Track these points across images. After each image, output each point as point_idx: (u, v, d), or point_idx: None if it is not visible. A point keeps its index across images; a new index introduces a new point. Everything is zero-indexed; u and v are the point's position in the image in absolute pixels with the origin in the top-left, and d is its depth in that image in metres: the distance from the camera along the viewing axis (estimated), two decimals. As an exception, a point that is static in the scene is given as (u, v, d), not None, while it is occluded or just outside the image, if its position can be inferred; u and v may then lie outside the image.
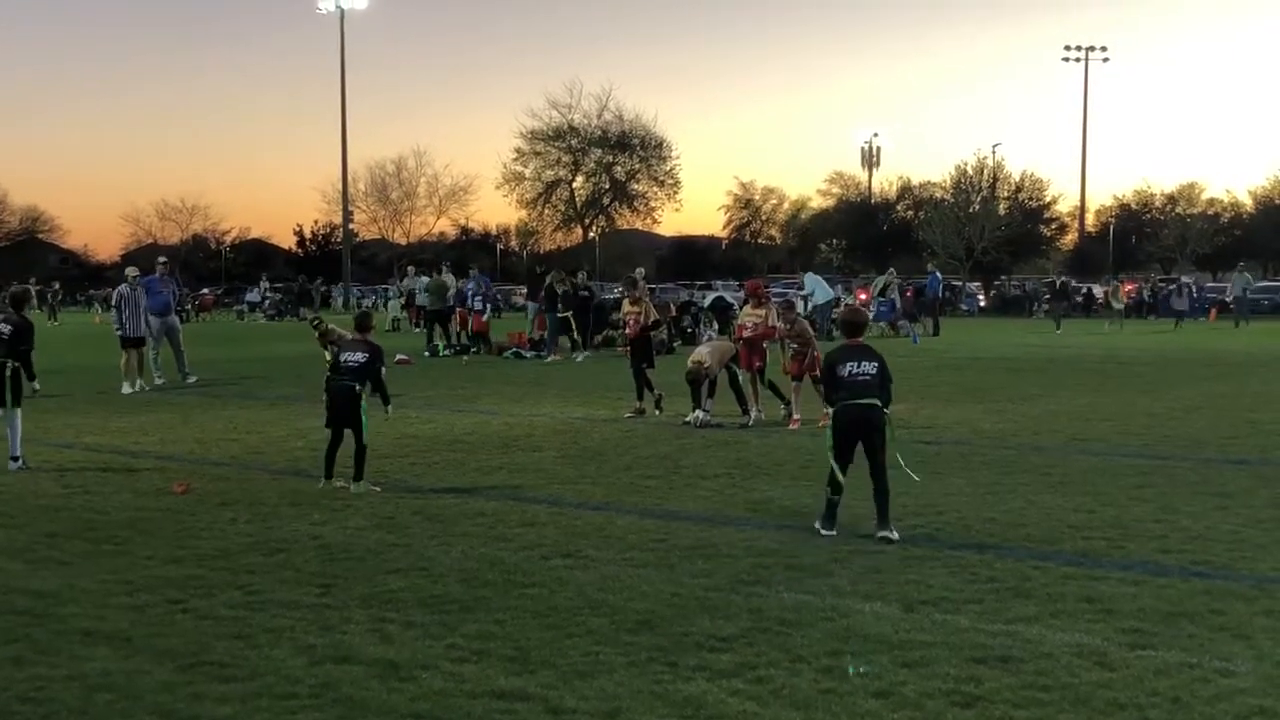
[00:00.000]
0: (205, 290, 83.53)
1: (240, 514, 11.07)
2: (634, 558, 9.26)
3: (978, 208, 77.12)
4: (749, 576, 8.68)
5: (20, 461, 13.64)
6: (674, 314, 37.20)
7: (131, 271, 24.32)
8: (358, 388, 12.23)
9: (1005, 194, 79.51)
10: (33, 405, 17.95)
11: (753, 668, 6.71)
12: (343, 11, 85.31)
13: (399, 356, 30.06)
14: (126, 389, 22.38)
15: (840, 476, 10.04)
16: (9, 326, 13.83)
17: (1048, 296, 56.68)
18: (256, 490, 12.28)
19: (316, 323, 23.44)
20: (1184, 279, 63.20)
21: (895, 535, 9.80)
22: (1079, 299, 60.53)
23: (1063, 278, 54.91)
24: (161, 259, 26.40)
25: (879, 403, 10.03)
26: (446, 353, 32.52)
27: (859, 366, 10.09)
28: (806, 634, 7.32)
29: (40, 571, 8.97)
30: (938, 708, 6.10)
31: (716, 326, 37.64)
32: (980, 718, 5.99)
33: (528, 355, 31.49)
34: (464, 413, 18.76)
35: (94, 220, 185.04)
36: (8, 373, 13.66)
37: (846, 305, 15.58)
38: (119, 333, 23.17)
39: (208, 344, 32.61)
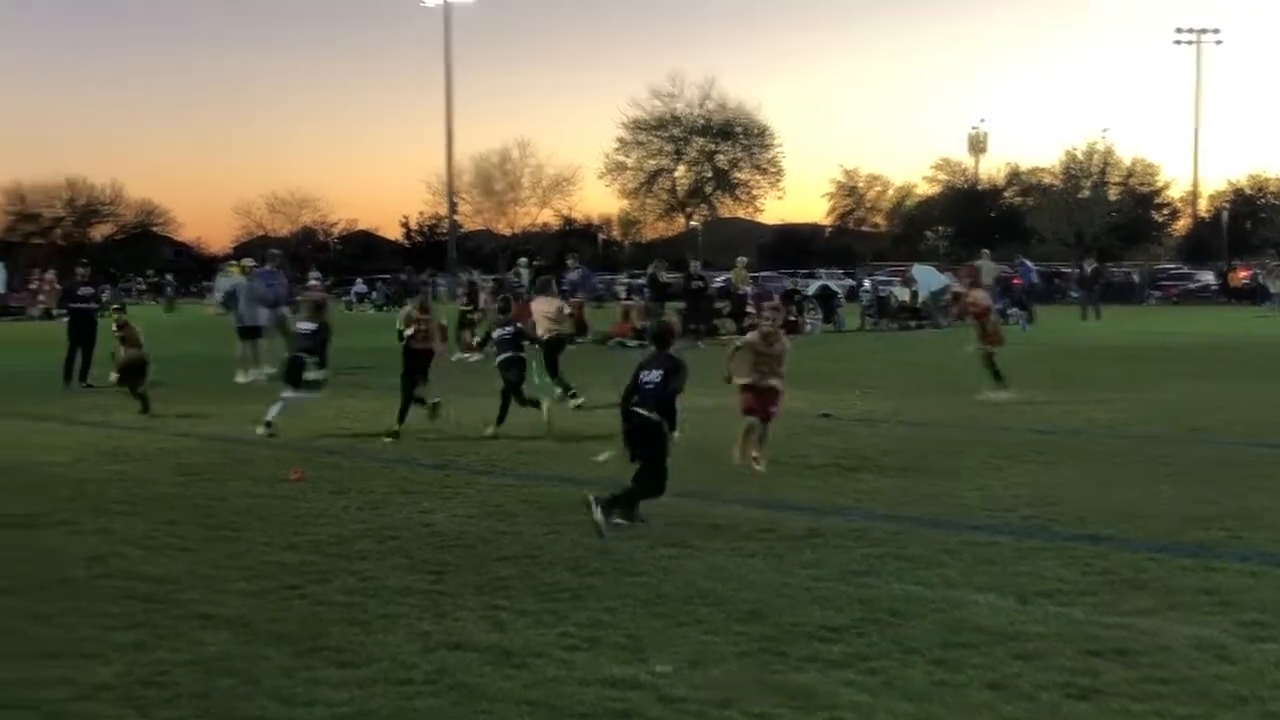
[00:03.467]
0: (314, 281, 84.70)
1: (353, 501, 11.22)
2: (742, 547, 9.25)
3: (1088, 193, 75.85)
4: (859, 567, 8.63)
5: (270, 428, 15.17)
6: (778, 304, 37.08)
7: (248, 262, 24.79)
8: (655, 417, 10.13)
9: (1116, 179, 78.13)
10: (152, 394, 18.36)
11: (864, 659, 6.67)
12: (448, 5, 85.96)
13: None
14: (241, 378, 22.78)
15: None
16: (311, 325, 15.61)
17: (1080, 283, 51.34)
18: (368, 478, 12.44)
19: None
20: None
21: (596, 519, 9.61)
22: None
23: (1094, 264, 51.31)
24: (274, 251, 26.86)
25: (655, 415, 10.09)
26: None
27: (649, 374, 10.25)
28: (918, 625, 7.27)
29: (160, 557, 9.17)
30: (1053, 700, 6.03)
31: (821, 315, 37.50)
32: (1097, 710, 5.91)
33: (631, 345, 31.53)
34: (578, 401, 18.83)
35: (207, 213, 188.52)
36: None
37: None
38: (239, 323, 23.66)
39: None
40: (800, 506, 10.75)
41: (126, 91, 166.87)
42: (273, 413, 15.36)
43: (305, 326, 15.92)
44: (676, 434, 10.23)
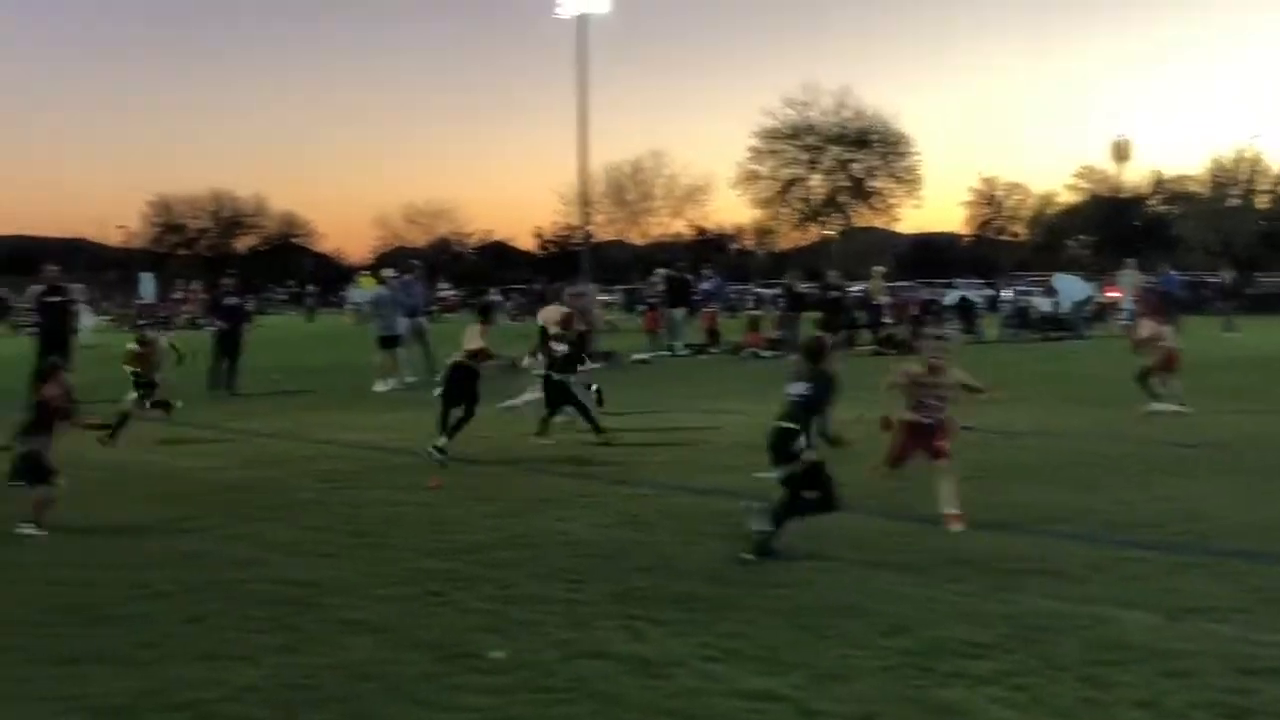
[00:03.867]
0: (451, 291, 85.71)
1: (491, 509, 11.32)
2: (883, 561, 9.13)
3: (1236, 201, 73.87)
4: (1002, 582, 8.46)
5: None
6: (915, 313, 36.74)
7: (387, 272, 25.23)
8: (791, 426, 9.56)
9: (1265, 187, 75.98)
10: (294, 402, 18.78)
11: (1011, 675, 6.55)
12: (583, 16, 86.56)
13: (636, 355, 30.43)
14: (379, 387, 23.14)
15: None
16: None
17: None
18: (505, 486, 12.55)
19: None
20: None
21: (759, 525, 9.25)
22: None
23: (1233, 274, 48.68)
24: (414, 261, 27.28)
25: (795, 427, 9.51)
26: (684, 352, 32.69)
27: (791, 386, 9.79)
28: (1064, 642, 7.11)
29: (305, 562, 9.34)
30: (1204, 720, 5.86)
31: (961, 326, 37.01)
32: (1252, 732, 5.73)
33: (765, 355, 31.43)
34: (704, 412, 18.82)
35: (346, 225, 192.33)
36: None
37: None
38: (380, 333, 24.05)
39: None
40: (942, 520, 10.58)
41: (271, 106, 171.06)
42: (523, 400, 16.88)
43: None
44: (809, 447, 9.54)
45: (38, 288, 22.74)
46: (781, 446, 9.56)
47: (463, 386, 14.58)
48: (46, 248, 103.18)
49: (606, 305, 78.06)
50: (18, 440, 10.78)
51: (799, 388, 9.71)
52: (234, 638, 7.37)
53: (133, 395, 16.64)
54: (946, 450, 10.56)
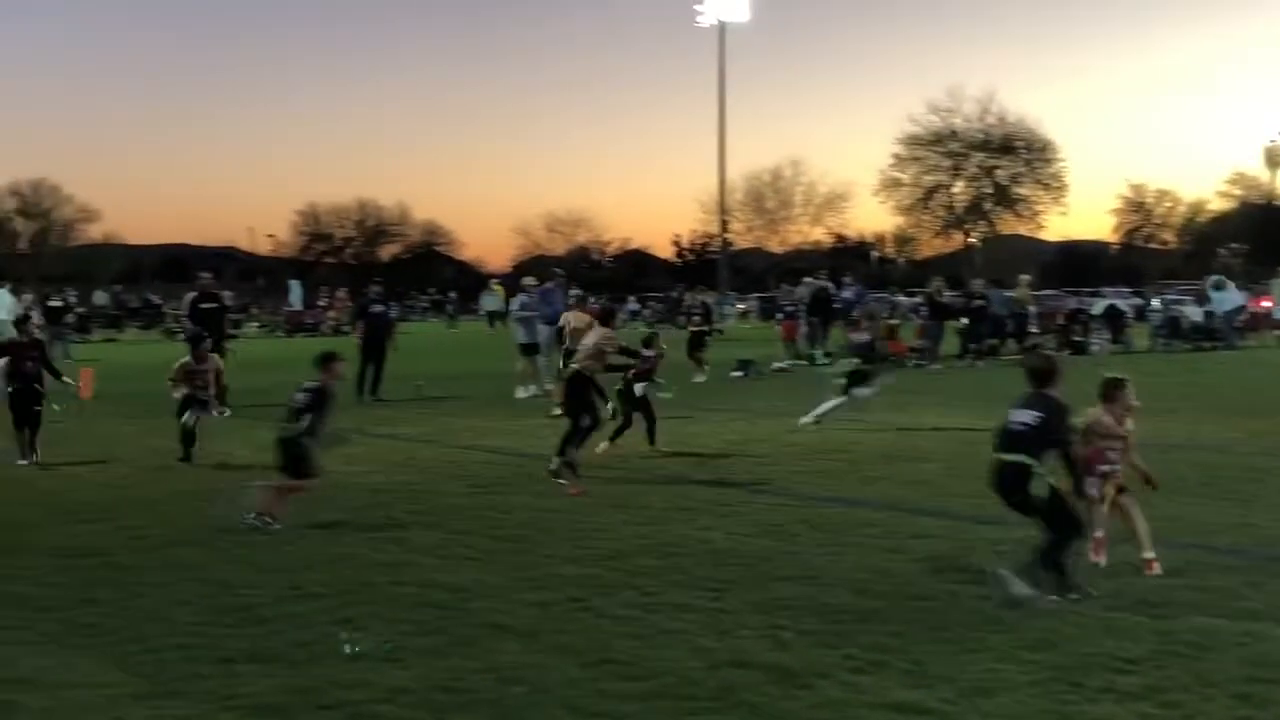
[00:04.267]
0: (591, 299, 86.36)
1: (632, 517, 11.37)
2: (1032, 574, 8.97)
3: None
4: (1154, 597, 8.27)
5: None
6: (1062, 322, 36.10)
7: (528, 281, 25.52)
8: (1025, 460, 8.30)
9: None
10: (438, 408, 19.06)
11: (1162, 691, 6.41)
12: (723, 25, 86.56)
13: (775, 364, 30.32)
14: (520, 393, 23.37)
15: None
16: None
17: None
18: (644, 494, 12.59)
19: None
20: None
21: (1024, 592, 8.02)
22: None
23: None
24: (556, 270, 27.56)
25: (1025, 459, 8.26)
26: (824, 361, 32.46)
27: (1017, 414, 8.48)
28: (1218, 659, 6.94)
29: (453, 567, 9.48)
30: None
31: (1109, 336, 36.26)
32: None
33: (907, 364, 31.10)
34: (844, 422, 18.66)
35: (487, 233, 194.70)
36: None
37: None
38: (521, 340, 24.32)
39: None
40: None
41: (414, 114, 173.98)
42: (823, 409, 17.05)
43: (859, 338, 18.29)
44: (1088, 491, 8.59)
45: (192, 294, 23.45)
46: (1015, 486, 8.33)
47: (580, 396, 13.82)
48: (200, 255, 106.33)
49: (743, 314, 78.20)
50: (286, 427, 11.52)
51: (1026, 415, 8.42)
52: (385, 639, 7.50)
53: (189, 416, 15.44)
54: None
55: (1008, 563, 8.33)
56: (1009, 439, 8.42)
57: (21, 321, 17.73)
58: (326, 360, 11.80)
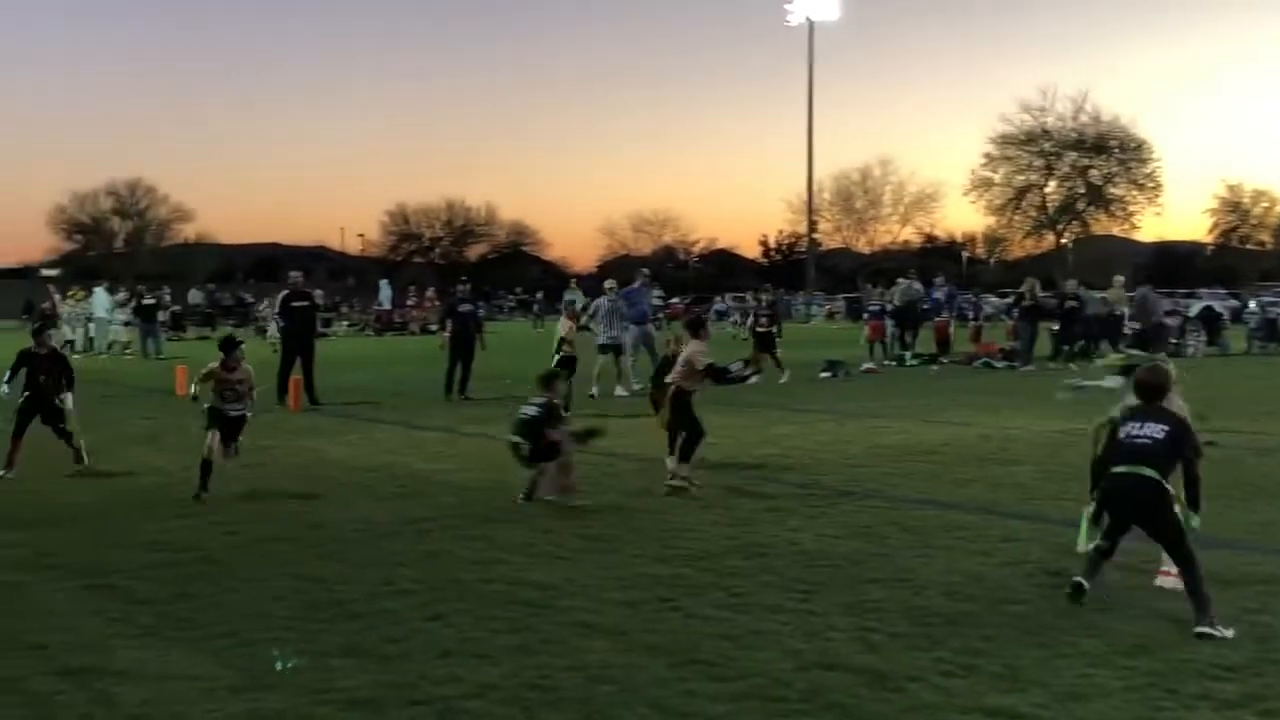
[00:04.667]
0: (675, 300, 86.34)
1: (720, 517, 11.34)
2: (1123, 580, 8.82)
3: None
4: (1252, 604, 8.12)
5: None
6: (1157, 323, 35.52)
7: (609, 284, 25.59)
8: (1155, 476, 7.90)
9: None
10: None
11: (1261, 699, 6.30)
12: (812, 23, 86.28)
13: (865, 365, 30.13)
14: (594, 392, 23.36)
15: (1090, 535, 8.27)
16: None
17: None
18: (733, 495, 12.55)
19: None
20: None
21: (1220, 633, 7.41)
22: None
23: None
24: (644, 270, 27.59)
25: (1156, 474, 7.87)
26: (913, 362, 32.23)
27: (1141, 428, 8.09)
28: (1321, 668, 6.81)
29: (541, 565, 9.51)
30: None
31: (1205, 337, 35.67)
32: None
33: (999, 365, 30.78)
34: (935, 423, 18.52)
35: (573, 233, 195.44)
36: None
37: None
38: (600, 341, 24.36)
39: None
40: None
41: (502, 115, 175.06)
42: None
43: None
44: (1196, 520, 8.02)
45: (283, 293, 23.75)
46: (1152, 505, 7.92)
47: (681, 414, 13.28)
48: (291, 255, 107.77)
49: (829, 314, 77.78)
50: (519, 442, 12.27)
51: (1151, 429, 8.03)
52: (474, 636, 7.55)
53: (212, 437, 12.84)
54: None
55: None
56: (1130, 450, 7.99)
57: (39, 330, 15.60)
58: (550, 380, 12.97)
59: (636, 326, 25.27)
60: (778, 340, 28.26)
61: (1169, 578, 8.48)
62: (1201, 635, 7.39)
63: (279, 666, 6.74)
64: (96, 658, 7.21)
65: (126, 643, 7.56)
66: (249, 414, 13.29)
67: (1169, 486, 7.88)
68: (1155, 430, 8.01)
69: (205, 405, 13.07)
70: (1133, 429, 8.06)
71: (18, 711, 6.35)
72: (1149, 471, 7.87)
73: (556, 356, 20.78)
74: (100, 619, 8.12)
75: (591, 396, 22.50)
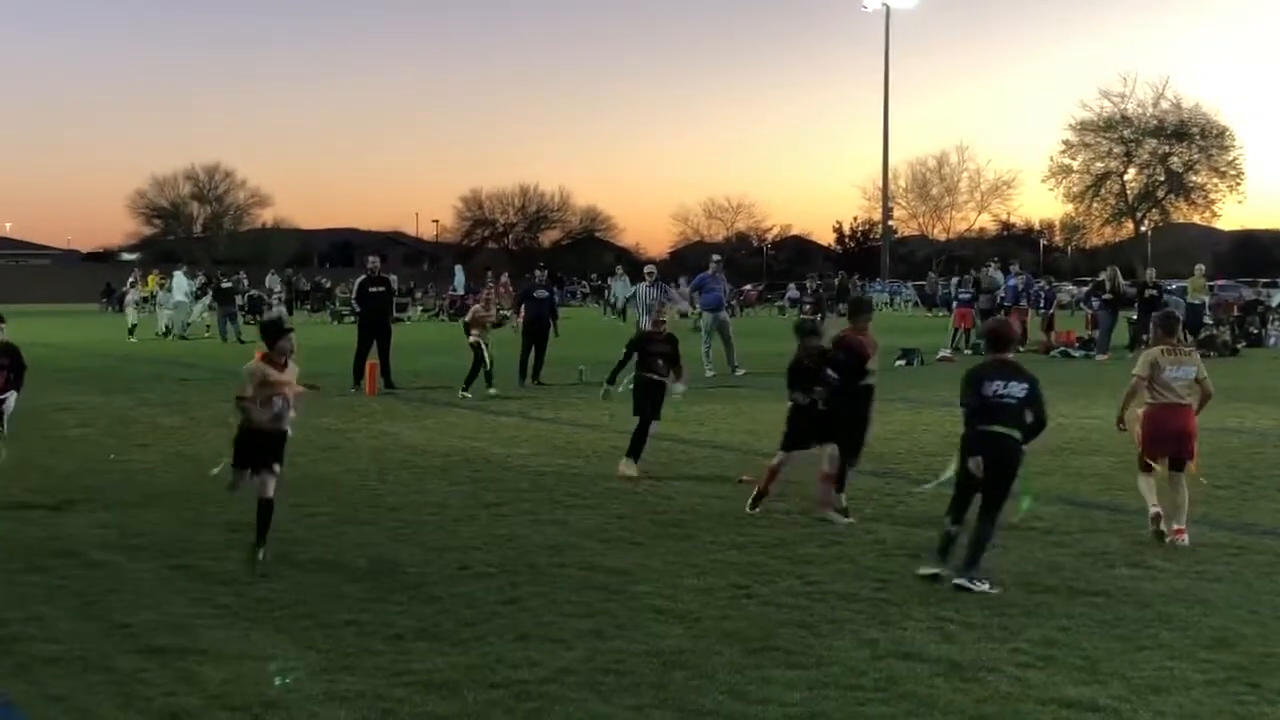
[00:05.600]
0: (748, 286, 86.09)
1: (794, 505, 11.31)
2: (1206, 571, 8.74)
3: None
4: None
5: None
6: (1237, 313, 35.03)
7: (650, 270, 25.58)
8: (1019, 437, 8.60)
9: None
10: (598, 394, 19.16)
11: (1344, 694, 6.20)
12: (889, 9, 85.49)
13: (941, 353, 29.92)
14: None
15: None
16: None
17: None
18: (808, 484, 12.48)
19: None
20: None
21: (977, 586, 8.19)
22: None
23: None
24: (716, 257, 27.53)
25: (1017, 434, 8.52)
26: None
27: (1005, 387, 8.58)
28: (1407, 663, 6.71)
29: (615, 550, 9.54)
30: None
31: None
32: None
33: (1076, 354, 30.45)
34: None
35: (646, 219, 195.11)
36: None
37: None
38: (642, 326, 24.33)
39: (751, 339, 33.63)
40: (1272, 530, 10.06)
41: (576, 101, 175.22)
42: None
43: None
44: (1028, 502, 9.05)
45: (360, 278, 23.94)
46: (1012, 465, 8.60)
47: (858, 409, 11.35)
48: (367, 240, 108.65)
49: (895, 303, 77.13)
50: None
51: (1014, 388, 8.60)
52: (549, 620, 7.60)
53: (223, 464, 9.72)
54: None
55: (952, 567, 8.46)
56: (1006, 412, 8.51)
57: None
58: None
59: (711, 313, 25.21)
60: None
61: (1183, 535, 9.40)
62: (960, 588, 8.16)
63: (277, 682, 6.58)
64: (179, 637, 7.34)
65: (208, 623, 7.68)
66: (291, 430, 9.52)
67: (1024, 449, 8.55)
68: (1017, 389, 8.56)
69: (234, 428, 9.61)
70: (998, 387, 8.60)
71: (103, 690, 6.46)
72: (1015, 433, 8.48)
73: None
74: (183, 599, 8.25)
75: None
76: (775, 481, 11.10)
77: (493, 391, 20.81)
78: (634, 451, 12.95)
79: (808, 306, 28.80)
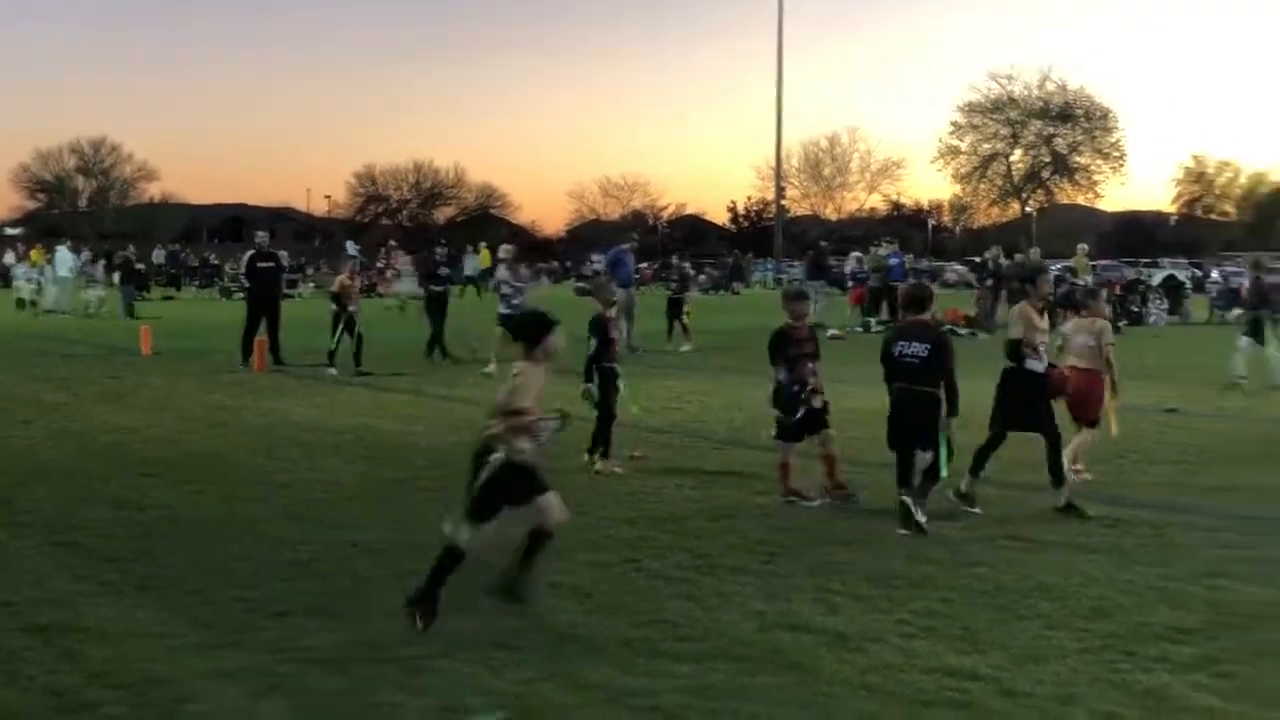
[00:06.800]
0: (644, 265, 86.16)
1: (685, 480, 11.41)
2: (1084, 543, 8.97)
3: None
4: (1208, 568, 8.26)
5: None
6: (1119, 292, 35.78)
7: (506, 250, 24.25)
8: (930, 390, 9.33)
9: None
10: (478, 371, 19.11)
11: (1216, 662, 6.43)
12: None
13: (830, 331, 30.22)
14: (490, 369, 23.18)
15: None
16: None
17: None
18: (699, 458, 12.63)
19: None
20: None
21: (919, 514, 9.19)
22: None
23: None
24: (632, 234, 27.60)
25: (927, 389, 9.37)
26: (879, 329, 32.31)
27: (909, 346, 9.48)
28: (1273, 630, 6.98)
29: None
30: None
31: (1166, 305, 35.93)
32: None
33: (961, 332, 30.92)
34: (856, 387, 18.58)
35: (541, 197, 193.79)
36: None
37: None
38: (502, 310, 24.08)
39: (647, 317, 33.76)
40: (1146, 503, 10.34)
41: (471, 78, 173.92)
42: None
43: None
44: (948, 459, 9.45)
45: (249, 253, 23.63)
46: (927, 418, 9.43)
47: (1030, 399, 10.33)
48: (257, 215, 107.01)
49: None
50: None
51: (916, 348, 9.43)
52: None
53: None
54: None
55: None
56: (910, 370, 9.36)
57: None
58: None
59: (624, 290, 25.25)
60: (687, 307, 28.27)
61: (1084, 474, 10.65)
62: (904, 505, 9.20)
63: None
64: (63, 614, 7.23)
65: (92, 600, 7.57)
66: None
67: (940, 397, 9.25)
68: (920, 349, 9.35)
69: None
70: (903, 347, 9.47)
71: (-16, 668, 6.36)
72: (924, 388, 9.29)
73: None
74: (66, 576, 8.13)
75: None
76: (793, 474, 10.69)
77: (332, 372, 20.66)
78: (608, 447, 12.42)
79: (675, 284, 29.01)
